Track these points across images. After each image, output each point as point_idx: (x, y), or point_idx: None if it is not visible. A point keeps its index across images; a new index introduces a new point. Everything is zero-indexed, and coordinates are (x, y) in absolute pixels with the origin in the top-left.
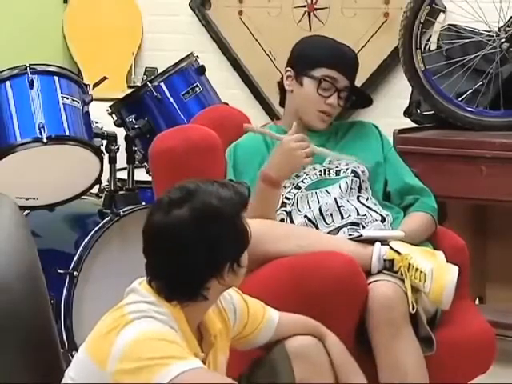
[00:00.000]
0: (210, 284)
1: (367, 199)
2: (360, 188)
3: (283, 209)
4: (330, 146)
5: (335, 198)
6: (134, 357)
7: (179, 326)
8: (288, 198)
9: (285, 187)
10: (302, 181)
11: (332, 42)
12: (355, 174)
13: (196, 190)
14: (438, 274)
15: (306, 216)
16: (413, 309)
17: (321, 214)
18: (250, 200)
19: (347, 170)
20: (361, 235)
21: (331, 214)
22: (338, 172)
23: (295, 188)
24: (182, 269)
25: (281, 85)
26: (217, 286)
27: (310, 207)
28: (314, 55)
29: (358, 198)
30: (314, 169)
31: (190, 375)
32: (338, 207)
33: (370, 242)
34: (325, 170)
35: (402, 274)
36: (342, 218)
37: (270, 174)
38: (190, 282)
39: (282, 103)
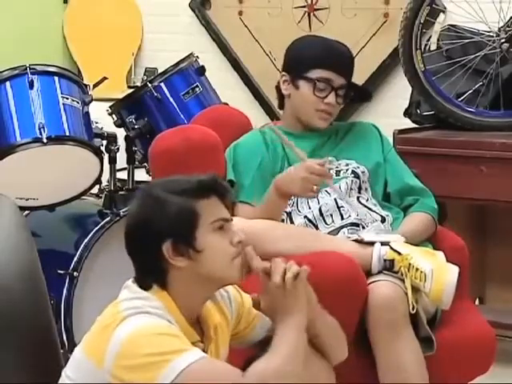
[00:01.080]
0: (166, 267)
1: (367, 200)
2: (360, 189)
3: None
4: (329, 146)
5: (335, 199)
6: (133, 353)
7: (174, 317)
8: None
9: None
10: None
11: (323, 41)
12: (355, 174)
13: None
14: (439, 273)
15: (305, 217)
16: (413, 309)
17: (321, 214)
18: (260, 203)
19: (347, 170)
20: (361, 239)
21: (331, 215)
22: (338, 172)
23: None
24: (135, 253)
25: (278, 89)
26: (181, 274)
27: (309, 208)
28: (306, 57)
29: (357, 198)
30: None
31: (195, 367)
32: (338, 208)
33: (371, 243)
34: None
35: (402, 274)
36: (342, 218)
37: (280, 186)
38: (143, 266)
39: (281, 106)
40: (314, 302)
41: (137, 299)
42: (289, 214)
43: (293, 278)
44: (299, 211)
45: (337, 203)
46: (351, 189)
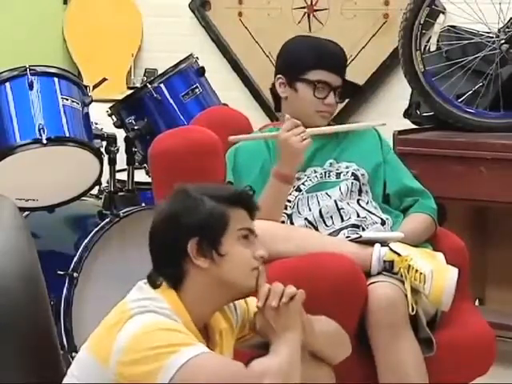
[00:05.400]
0: (186, 266)
1: (367, 203)
2: (360, 191)
3: (284, 211)
4: (330, 149)
5: (335, 201)
6: (139, 348)
7: (182, 319)
8: (289, 201)
9: None
10: (303, 183)
11: (317, 42)
12: (355, 176)
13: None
14: (438, 275)
15: (306, 219)
16: (412, 310)
17: (321, 216)
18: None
19: (347, 172)
20: (360, 236)
21: (331, 217)
22: (338, 175)
23: (296, 190)
24: (158, 248)
25: (273, 91)
26: (200, 275)
27: (310, 210)
28: (303, 59)
29: (358, 201)
30: (315, 171)
31: (199, 360)
32: (338, 209)
33: (370, 243)
34: (325, 172)
35: (401, 276)
36: (342, 220)
37: (279, 171)
38: (164, 262)
39: (278, 109)
40: (307, 324)
41: (145, 300)
42: (289, 216)
43: (288, 301)
44: (299, 213)
45: (337, 205)
46: (352, 191)
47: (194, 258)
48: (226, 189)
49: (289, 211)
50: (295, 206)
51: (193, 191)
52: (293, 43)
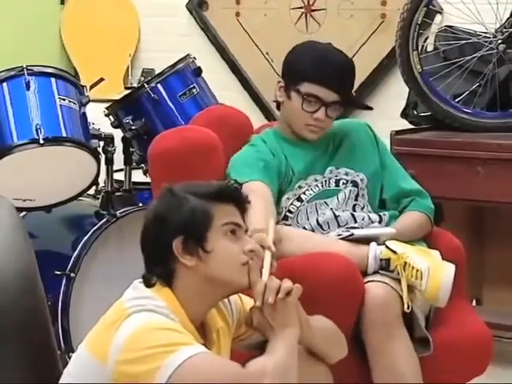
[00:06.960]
0: (174, 265)
1: (363, 207)
2: (357, 196)
3: (284, 222)
4: (329, 155)
5: (332, 209)
6: (137, 347)
7: (179, 318)
8: (291, 211)
9: (288, 199)
10: (304, 192)
11: (321, 53)
12: (354, 183)
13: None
14: (435, 271)
15: (304, 228)
16: (408, 308)
17: (318, 224)
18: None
19: (347, 181)
20: (351, 234)
21: (328, 223)
22: (337, 182)
23: (297, 200)
24: (147, 248)
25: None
26: (189, 273)
27: (308, 219)
28: (300, 69)
29: (353, 206)
30: (316, 180)
31: (198, 360)
32: (335, 217)
33: (366, 242)
34: (325, 180)
35: (398, 273)
36: (339, 226)
37: None
38: (153, 261)
39: (279, 107)
40: (304, 320)
41: (142, 298)
42: (288, 226)
43: (284, 296)
44: (298, 222)
45: (334, 213)
46: (349, 198)
47: (179, 256)
48: (211, 185)
49: (289, 221)
50: (295, 217)
51: (177, 190)
52: (299, 49)
